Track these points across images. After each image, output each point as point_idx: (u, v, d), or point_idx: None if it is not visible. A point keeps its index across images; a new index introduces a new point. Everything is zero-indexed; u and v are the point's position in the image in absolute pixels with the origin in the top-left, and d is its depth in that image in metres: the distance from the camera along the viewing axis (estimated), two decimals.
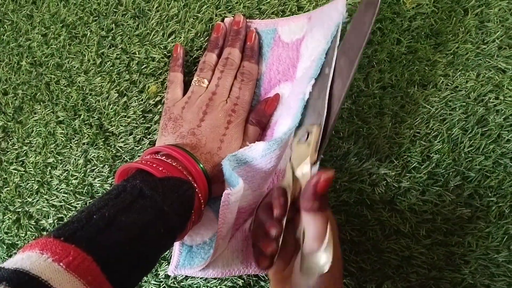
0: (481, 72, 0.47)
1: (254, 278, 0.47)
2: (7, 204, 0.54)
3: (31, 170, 0.54)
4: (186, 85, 0.50)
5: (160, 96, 0.52)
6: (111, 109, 0.53)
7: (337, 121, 0.48)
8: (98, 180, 0.52)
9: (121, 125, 0.53)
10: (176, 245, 0.47)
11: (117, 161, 0.52)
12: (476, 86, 0.47)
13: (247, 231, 0.46)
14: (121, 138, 0.53)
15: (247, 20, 0.51)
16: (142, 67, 0.54)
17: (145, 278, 0.49)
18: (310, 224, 0.35)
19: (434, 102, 0.47)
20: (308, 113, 0.42)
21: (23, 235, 0.53)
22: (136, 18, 0.55)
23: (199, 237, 0.47)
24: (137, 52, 0.54)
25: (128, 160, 0.52)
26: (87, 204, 0.52)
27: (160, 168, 0.39)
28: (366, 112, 0.48)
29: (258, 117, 0.48)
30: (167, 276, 0.49)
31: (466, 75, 0.48)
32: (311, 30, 0.47)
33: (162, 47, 0.54)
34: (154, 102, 0.53)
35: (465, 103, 0.47)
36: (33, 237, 0.53)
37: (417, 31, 0.49)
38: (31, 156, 0.55)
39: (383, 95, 0.48)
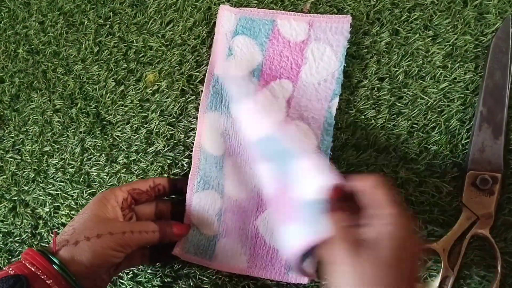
0: (480, 64, 0.47)
1: None
2: (3, 192, 0.54)
3: (27, 159, 0.54)
4: None
5: (157, 85, 0.52)
6: (108, 97, 0.53)
7: (336, 112, 0.48)
8: (94, 169, 0.52)
9: (118, 114, 0.53)
10: None
11: (114, 150, 0.52)
12: (475, 77, 0.47)
13: (258, 228, 0.47)
14: (118, 127, 0.53)
15: (245, 8, 0.51)
16: (140, 55, 0.53)
17: (141, 267, 0.49)
18: None
19: (432, 93, 0.47)
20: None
21: (19, 223, 0.53)
22: (134, 7, 0.55)
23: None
24: (134, 41, 0.54)
25: (125, 148, 0.52)
26: (83, 193, 0.52)
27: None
28: (364, 103, 0.48)
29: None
30: (164, 265, 0.49)
31: (465, 67, 0.47)
32: (316, 40, 0.49)
33: (160, 36, 0.53)
34: (151, 91, 0.52)
35: (463, 95, 0.47)
36: (29, 226, 0.53)
37: (416, 22, 0.49)
38: (28, 144, 0.54)
39: (381, 86, 0.48)
